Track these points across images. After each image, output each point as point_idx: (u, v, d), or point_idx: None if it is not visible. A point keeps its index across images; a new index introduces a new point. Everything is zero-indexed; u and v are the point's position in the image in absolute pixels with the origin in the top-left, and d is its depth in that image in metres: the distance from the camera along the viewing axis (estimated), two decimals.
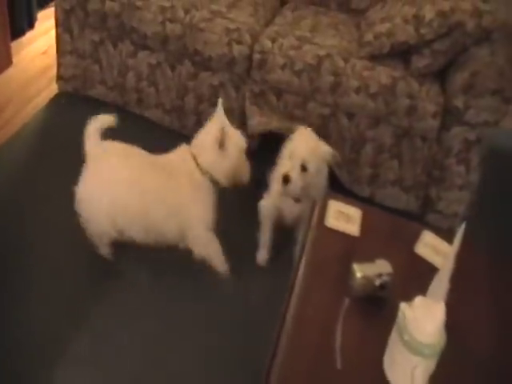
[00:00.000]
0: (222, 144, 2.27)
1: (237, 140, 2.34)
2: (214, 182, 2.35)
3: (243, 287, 2.46)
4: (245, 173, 2.40)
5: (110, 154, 2.31)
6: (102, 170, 2.29)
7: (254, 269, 2.54)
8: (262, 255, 2.55)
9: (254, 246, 2.57)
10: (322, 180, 2.36)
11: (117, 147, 2.34)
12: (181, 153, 2.36)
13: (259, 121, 2.86)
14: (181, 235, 2.35)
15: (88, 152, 2.28)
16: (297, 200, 2.37)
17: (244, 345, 2.25)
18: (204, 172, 2.32)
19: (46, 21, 3.92)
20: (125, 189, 2.27)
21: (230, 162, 2.32)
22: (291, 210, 2.42)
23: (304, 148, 2.28)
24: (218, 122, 2.32)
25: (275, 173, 2.41)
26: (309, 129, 2.41)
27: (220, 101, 2.36)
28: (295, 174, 2.24)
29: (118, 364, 2.13)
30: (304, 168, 2.25)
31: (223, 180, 2.35)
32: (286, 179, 2.25)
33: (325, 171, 2.36)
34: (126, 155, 2.32)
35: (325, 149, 2.32)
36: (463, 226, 1.43)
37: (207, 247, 2.39)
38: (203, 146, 2.32)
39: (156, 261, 2.47)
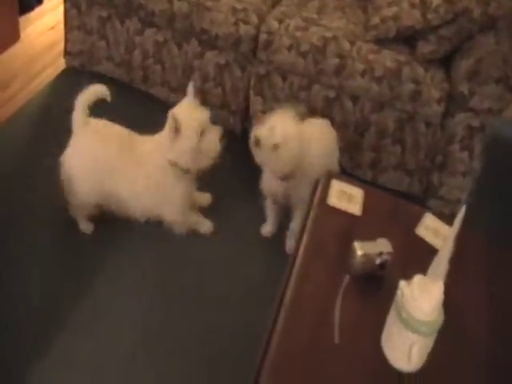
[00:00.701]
0: (176, 129, 2.23)
1: (192, 120, 2.27)
2: (184, 170, 2.35)
3: (245, 261, 2.52)
4: (212, 150, 2.33)
5: (92, 131, 2.37)
6: (84, 145, 2.37)
7: (257, 242, 2.61)
8: (266, 228, 2.64)
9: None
10: (317, 161, 2.37)
11: (100, 125, 2.40)
12: (157, 139, 2.37)
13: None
14: (149, 214, 2.46)
15: (74, 124, 2.35)
16: (282, 178, 2.37)
17: (243, 319, 2.28)
18: (172, 163, 2.32)
19: None
20: (100, 165, 2.35)
21: (188, 144, 2.27)
22: (277, 188, 2.44)
23: (279, 123, 2.26)
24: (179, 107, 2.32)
25: None
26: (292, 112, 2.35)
27: (191, 83, 2.35)
28: (264, 133, 2.23)
29: (116, 337, 2.16)
30: (276, 146, 2.22)
31: (191, 165, 2.33)
32: (256, 142, 2.23)
33: (320, 152, 2.39)
34: (108, 134, 2.39)
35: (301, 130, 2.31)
36: (463, 208, 1.45)
37: (185, 226, 2.53)
38: (165, 135, 2.31)
39: (146, 234, 2.53)
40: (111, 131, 2.40)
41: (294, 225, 2.51)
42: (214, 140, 2.31)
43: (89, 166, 2.35)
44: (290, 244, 2.55)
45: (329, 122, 2.60)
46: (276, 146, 2.21)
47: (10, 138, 2.88)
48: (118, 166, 2.35)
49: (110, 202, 2.41)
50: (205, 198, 2.70)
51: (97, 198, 2.40)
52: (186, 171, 2.35)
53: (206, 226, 2.59)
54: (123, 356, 2.11)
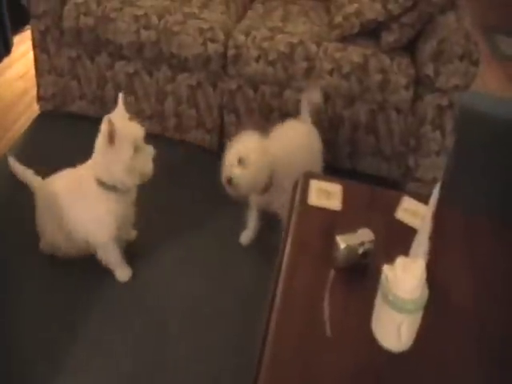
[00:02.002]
0: (111, 137, 2.10)
1: (127, 133, 2.14)
2: (112, 188, 2.24)
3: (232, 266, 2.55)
4: (143, 171, 2.23)
5: (45, 192, 2.41)
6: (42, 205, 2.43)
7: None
8: (246, 234, 2.64)
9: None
10: (289, 170, 2.36)
11: (50, 181, 2.44)
12: (91, 160, 2.28)
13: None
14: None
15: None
16: (261, 193, 2.38)
17: (238, 320, 2.33)
18: (99, 182, 2.22)
19: (21, 45, 3.97)
20: (58, 210, 2.34)
21: (120, 157, 2.14)
22: (259, 201, 2.48)
23: (241, 146, 2.27)
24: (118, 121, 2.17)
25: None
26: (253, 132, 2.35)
27: (120, 95, 2.23)
28: (237, 173, 2.24)
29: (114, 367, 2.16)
30: (242, 162, 2.23)
31: (118, 181, 2.21)
32: (229, 181, 2.24)
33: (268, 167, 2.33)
34: (58, 187, 2.38)
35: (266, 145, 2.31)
36: (438, 186, 1.48)
37: (105, 255, 2.41)
38: (95, 150, 2.21)
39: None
40: (60, 182, 2.39)
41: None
42: (147, 159, 2.23)
43: (50, 224, 2.39)
44: (245, 234, 2.63)
45: (309, 123, 2.63)
46: (241, 160, 2.22)
47: None
48: (68, 207, 2.32)
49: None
50: (131, 234, 2.61)
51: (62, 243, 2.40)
52: (112, 188, 2.23)
53: (123, 273, 2.47)
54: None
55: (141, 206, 2.44)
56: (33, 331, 2.25)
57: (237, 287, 2.47)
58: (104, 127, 2.11)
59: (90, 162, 2.27)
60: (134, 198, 2.37)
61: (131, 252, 2.53)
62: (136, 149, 2.16)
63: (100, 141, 2.16)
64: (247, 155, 2.22)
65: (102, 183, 2.22)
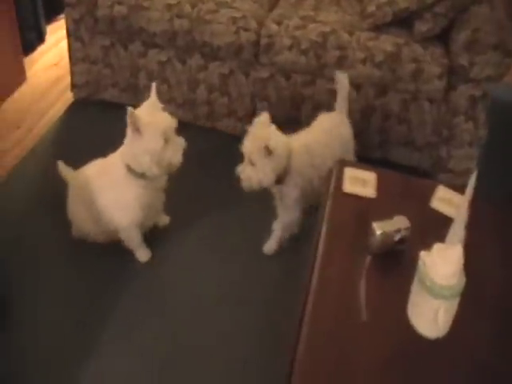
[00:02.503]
0: (135, 128, 2.14)
1: (157, 123, 2.17)
2: (141, 175, 2.26)
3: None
4: (172, 162, 2.25)
5: (78, 182, 2.45)
6: (75, 194, 2.48)
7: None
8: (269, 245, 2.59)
9: None
10: (331, 152, 2.40)
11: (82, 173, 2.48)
12: (120, 151, 2.34)
13: None
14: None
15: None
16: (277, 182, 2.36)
17: (266, 306, 2.36)
18: (129, 169, 2.25)
19: (54, 34, 4.04)
20: (89, 196, 2.39)
21: (150, 146, 2.17)
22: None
23: (249, 144, 2.27)
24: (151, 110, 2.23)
25: None
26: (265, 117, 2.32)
27: (153, 85, 2.26)
28: (246, 172, 2.27)
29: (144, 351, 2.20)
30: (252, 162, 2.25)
31: (147, 169, 2.23)
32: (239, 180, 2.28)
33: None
34: (95, 163, 2.45)
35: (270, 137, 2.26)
36: (474, 174, 1.48)
37: (127, 237, 2.46)
38: (126, 138, 2.25)
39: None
40: (92, 169, 2.44)
41: (276, 226, 2.53)
42: (177, 151, 2.25)
43: (81, 212, 2.45)
44: (268, 244, 2.57)
45: (343, 114, 2.60)
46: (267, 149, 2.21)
47: (26, 175, 2.94)
48: (97, 192, 2.37)
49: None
50: (163, 219, 2.66)
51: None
52: (141, 175, 2.26)
53: (144, 253, 2.53)
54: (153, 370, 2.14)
55: (170, 192, 2.48)
56: (62, 315, 2.30)
57: (265, 273, 2.50)
58: (128, 120, 2.13)
59: (121, 148, 2.31)
60: (162, 184, 2.41)
61: (160, 236, 2.59)
62: (166, 140, 2.19)
63: (128, 130, 2.20)
64: (273, 147, 2.21)
65: (131, 170, 2.26)
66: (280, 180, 2.34)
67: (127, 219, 2.37)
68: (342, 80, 2.56)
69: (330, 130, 2.53)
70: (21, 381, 2.08)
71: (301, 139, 2.42)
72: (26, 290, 2.36)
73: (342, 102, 2.59)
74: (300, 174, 2.36)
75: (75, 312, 2.31)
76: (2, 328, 2.22)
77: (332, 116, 2.59)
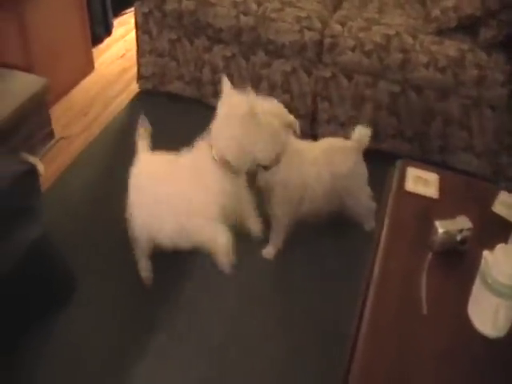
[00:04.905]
0: (253, 115, 2.06)
1: (277, 114, 2.18)
2: (230, 168, 2.11)
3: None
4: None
5: (152, 164, 2.30)
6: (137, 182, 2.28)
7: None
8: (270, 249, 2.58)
9: None
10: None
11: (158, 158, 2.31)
12: (200, 146, 2.16)
13: None
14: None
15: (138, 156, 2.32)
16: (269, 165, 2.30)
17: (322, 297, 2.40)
18: (222, 162, 2.10)
19: (121, 27, 4.20)
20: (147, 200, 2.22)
21: (270, 137, 2.15)
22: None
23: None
24: (229, 99, 2.15)
25: None
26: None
27: (224, 77, 2.19)
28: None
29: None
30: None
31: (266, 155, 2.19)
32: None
33: None
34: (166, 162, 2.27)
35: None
36: None
37: (210, 238, 2.11)
38: (222, 128, 2.12)
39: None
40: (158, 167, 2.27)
41: (273, 235, 2.53)
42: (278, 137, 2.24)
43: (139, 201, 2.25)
44: (266, 249, 2.57)
45: (356, 148, 2.47)
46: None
47: (93, 161, 3.03)
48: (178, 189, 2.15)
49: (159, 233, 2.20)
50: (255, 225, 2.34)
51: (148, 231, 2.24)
52: (230, 168, 2.11)
53: (228, 261, 2.15)
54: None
55: None
56: (125, 311, 2.35)
57: (324, 269, 2.54)
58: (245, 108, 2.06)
59: (201, 145, 2.16)
60: (244, 180, 2.25)
61: None
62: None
63: (234, 119, 2.10)
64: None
65: (223, 162, 2.10)
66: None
67: (210, 211, 2.10)
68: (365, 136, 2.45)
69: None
70: (79, 354, 2.16)
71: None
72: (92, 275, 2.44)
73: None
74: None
75: (138, 303, 2.37)
76: (71, 302, 2.32)
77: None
